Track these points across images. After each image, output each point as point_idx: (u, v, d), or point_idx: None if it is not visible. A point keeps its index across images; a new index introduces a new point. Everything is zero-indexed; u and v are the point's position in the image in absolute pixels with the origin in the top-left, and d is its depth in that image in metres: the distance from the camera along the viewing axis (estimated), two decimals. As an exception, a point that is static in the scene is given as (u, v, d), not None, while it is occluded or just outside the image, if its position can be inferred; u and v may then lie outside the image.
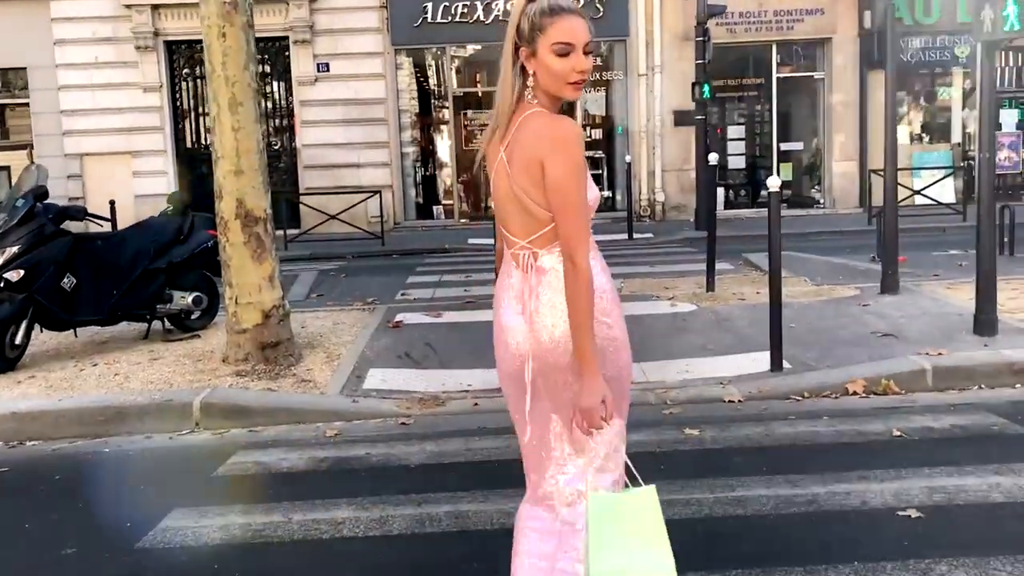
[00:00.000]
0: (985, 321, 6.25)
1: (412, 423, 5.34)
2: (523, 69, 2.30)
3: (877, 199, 15.40)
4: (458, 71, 17.48)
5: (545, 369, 2.33)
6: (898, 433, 4.65)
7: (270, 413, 5.56)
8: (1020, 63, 16.87)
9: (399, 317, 7.78)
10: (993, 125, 6.16)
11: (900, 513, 3.59)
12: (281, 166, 16.78)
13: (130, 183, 15.95)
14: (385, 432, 5.20)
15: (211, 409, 5.52)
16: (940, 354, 5.84)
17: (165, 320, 7.42)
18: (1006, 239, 10.32)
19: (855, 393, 5.52)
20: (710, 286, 8.49)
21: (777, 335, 5.90)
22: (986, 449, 4.36)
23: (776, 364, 5.92)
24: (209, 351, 6.78)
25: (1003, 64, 17.02)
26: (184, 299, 7.35)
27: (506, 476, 4.21)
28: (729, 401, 5.47)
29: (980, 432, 4.65)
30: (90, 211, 7.53)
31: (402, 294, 9.61)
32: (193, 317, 7.54)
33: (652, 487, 2.30)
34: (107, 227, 8.35)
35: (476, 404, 5.61)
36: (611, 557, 2.20)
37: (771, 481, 4.02)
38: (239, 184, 6.26)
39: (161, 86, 16.07)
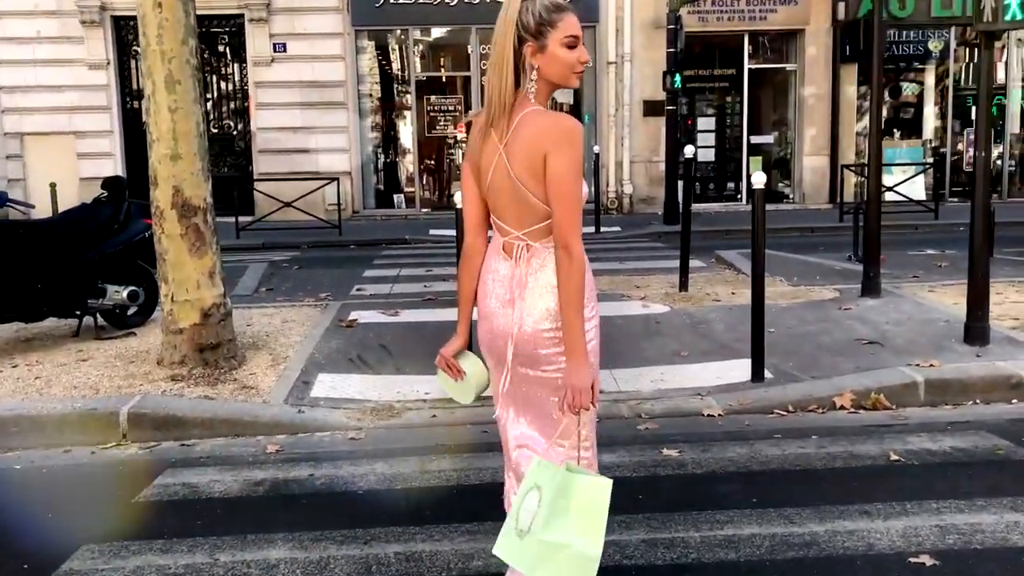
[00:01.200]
0: (977, 330, 5.89)
1: (363, 438, 4.85)
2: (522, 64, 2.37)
3: (848, 195, 15.19)
4: (422, 56, 16.89)
5: (524, 354, 2.43)
6: (896, 457, 4.25)
7: (206, 424, 5.04)
8: (995, 58, 16.67)
9: (353, 315, 7.26)
10: (989, 121, 5.78)
11: (912, 560, 3.17)
12: (235, 150, 16.11)
13: (74, 165, 15.16)
14: (332, 448, 4.70)
15: (140, 420, 4.99)
16: (932, 365, 5.47)
17: (98, 316, 6.83)
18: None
19: (843, 407, 5.13)
20: (683, 286, 8.07)
21: (759, 344, 5.49)
22: (994, 478, 3.97)
23: (757, 374, 5.51)
24: (144, 351, 6.23)
25: (973, 60, 16.82)
26: (118, 294, 6.76)
27: (466, 507, 3.77)
28: (708, 415, 5.06)
29: (984, 457, 4.26)
30: (27, 193, 6.95)
31: (357, 289, 9.07)
32: (129, 313, 6.97)
33: (609, 482, 2.32)
34: (35, 214, 7.70)
35: (434, 416, 5.15)
36: (559, 529, 2.26)
37: (763, 516, 3.59)
38: (176, 170, 5.71)
39: (108, 63, 15.28)
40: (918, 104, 17.16)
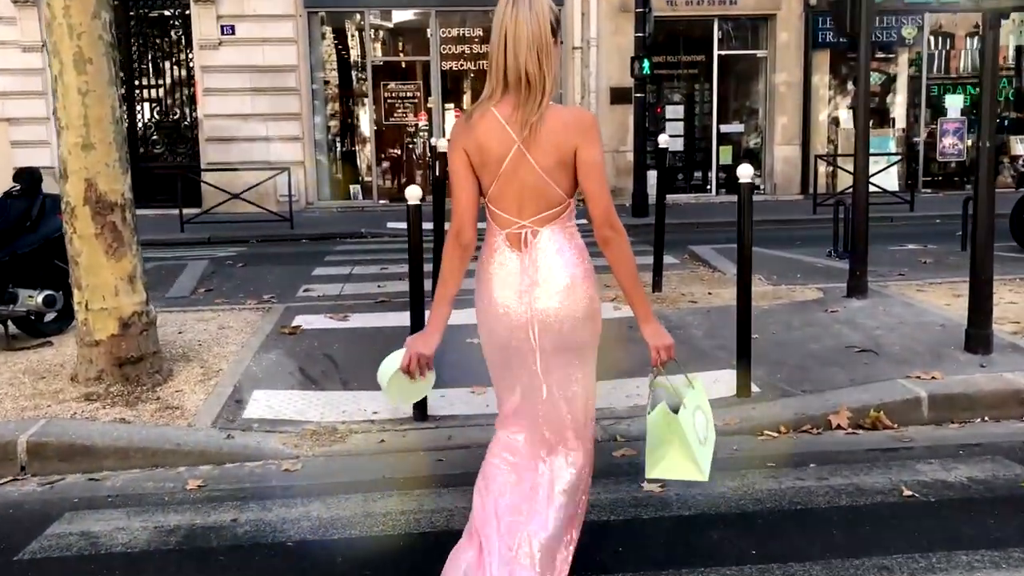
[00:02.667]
0: (979, 336, 5.40)
1: (299, 469, 4.23)
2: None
3: (821, 186, 14.75)
4: (380, 40, 16.17)
5: (554, 333, 2.54)
6: (909, 493, 3.72)
7: (120, 454, 4.39)
8: (967, 46, 16.33)
9: (297, 320, 6.62)
10: (994, 109, 5.27)
11: (953, 639, 2.64)
12: (181, 138, 15.32)
13: (8, 154, 14.27)
14: (263, 484, 4.07)
15: (42, 449, 4.34)
16: (934, 378, 4.97)
17: (9, 324, 6.12)
18: (959, 233, 9.56)
19: (839, 427, 4.60)
20: (657, 285, 7.52)
21: (746, 356, 4.95)
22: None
23: (744, 388, 4.97)
24: (59, 364, 5.56)
25: (950, 48, 16.50)
26: (32, 299, 6.06)
27: (415, 563, 3.17)
28: (691, 438, 4.49)
29: (1007, 491, 3.75)
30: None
31: (305, 289, 8.40)
32: (46, 320, 6.28)
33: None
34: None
35: (382, 441, 4.54)
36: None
37: (766, 575, 3.03)
38: (88, 161, 5.03)
39: (43, 46, 14.37)
40: (883, 92, 16.76)
